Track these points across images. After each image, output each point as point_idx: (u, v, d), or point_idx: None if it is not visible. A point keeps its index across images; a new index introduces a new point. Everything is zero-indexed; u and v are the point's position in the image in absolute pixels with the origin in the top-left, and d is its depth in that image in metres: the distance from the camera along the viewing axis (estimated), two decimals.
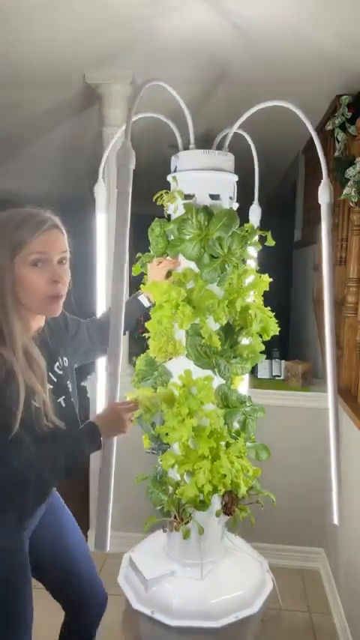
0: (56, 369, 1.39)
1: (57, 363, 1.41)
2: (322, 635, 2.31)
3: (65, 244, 1.30)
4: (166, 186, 1.69)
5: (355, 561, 2.13)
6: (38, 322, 1.36)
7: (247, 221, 1.81)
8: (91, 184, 2.03)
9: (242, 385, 1.84)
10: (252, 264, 1.76)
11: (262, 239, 1.71)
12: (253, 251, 1.75)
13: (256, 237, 1.69)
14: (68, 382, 1.44)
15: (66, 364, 1.45)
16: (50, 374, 1.34)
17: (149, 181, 1.88)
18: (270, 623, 2.24)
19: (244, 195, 1.79)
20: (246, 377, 1.87)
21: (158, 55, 2.33)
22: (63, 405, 1.36)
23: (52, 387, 1.33)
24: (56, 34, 2.14)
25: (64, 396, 1.37)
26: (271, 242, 1.68)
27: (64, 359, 1.45)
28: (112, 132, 2.61)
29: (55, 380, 1.36)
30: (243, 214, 1.75)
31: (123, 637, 2.18)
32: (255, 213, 1.93)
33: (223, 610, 1.65)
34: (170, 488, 1.68)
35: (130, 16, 1.95)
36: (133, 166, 1.45)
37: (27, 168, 4.45)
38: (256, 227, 1.81)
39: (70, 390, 1.43)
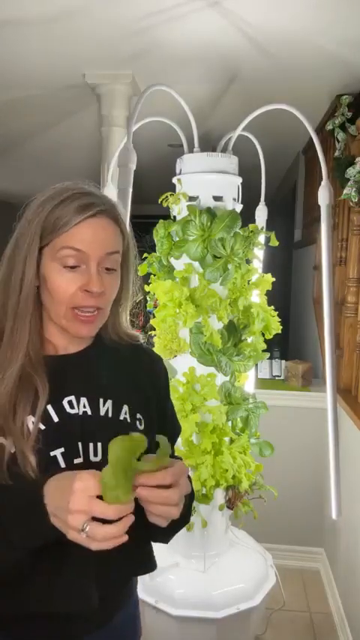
0: (65, 405, 0.91)
1: (77, 399, 0.92)
2: (322, 635, 2.31)
3: (115, 243, 0.90)
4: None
5: (355, 561, 2.13)
6: (74, 340, 0.96)
7: (252, 221, 1.83)
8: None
9: (248, 383, 1.87)
10: (257, 264, 1.78)
11: (267, 239, 1.74)
12: (257, 251, 1.77)
13: (261, 238, 1.72)
14: (83, 432, 0.90)
15: (107, 410, 0.93)
16: (52, 408, 0.89)
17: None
18: (270, 623, 2.24)
19: (247, 196, 1.80)
20: (252, 374, 1.89)
21: (164, 61, 2.34)
22: (61, 463, 0.87)
23: (44, 428, 0.87)
24: (63, 42, 2.15)
25: (62, 449, 0.87)
26: (274, 242, 1.71)
27: (108, 402, 0.94)
28: (112, 132, 2.62)
29: (58, 420, 0.89)
30: (247, 215, 1.75)
31: None
32: (261, 214, 1.95)
33: (225, 601, 1.70)
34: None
35: (139, 25, 1.96)
36: (134, 166, 1.46)
37: (26, 168, 4.45)
38: (261, 227, 1.84)
39: (87, 448, 0.90)
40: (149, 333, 1.75)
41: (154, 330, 1.71)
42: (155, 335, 1.71)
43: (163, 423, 1.04)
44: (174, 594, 1.70)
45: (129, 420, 0.94)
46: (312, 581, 2.69)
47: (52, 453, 0.86)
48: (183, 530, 1.73)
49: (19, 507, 0.79)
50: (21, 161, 4.32)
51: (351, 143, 2.43)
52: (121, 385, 0.98)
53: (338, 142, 2.58)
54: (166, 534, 0.96)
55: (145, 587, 1.75)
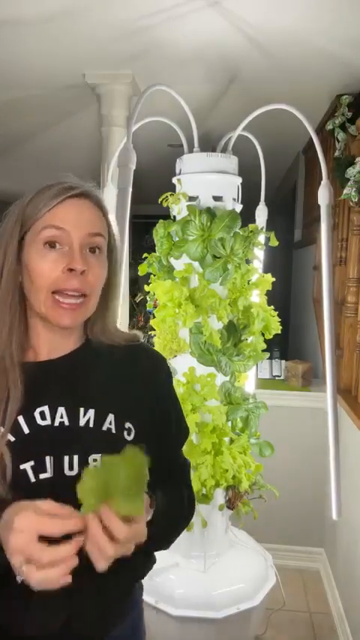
0: (37, 416, 0.85)
1: (53, 409, 0.87)
2: (322, 635, 2.31)
3: (98, 225, 0.87)
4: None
5: (355, 561, 2.13)
6: (60, 342, 0.91)
7: (252, 221, 1.83)
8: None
9: (248, 383, 1.88)
10: (257, 264, 1.79)
11: (267, 239, 1.74)
12: (257, 251, 1.77)
13: (261, 238, 1.72)
14: (65, 445, 0.85)
15: (89, 420, 0.88)
16: (23, 419, 0.84)
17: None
18: (270, 623, 2.24)
19: (247, 196, 1.80)
20: (252, 374, 1.90)
21: (164, 61, 2.34)
22: (31, 477, 0.83)
23: (14, 440, 0.83)
24: (63, 42, 2.15)
25: (32, 462, 0.83)
26: (274, 242, 1.71)
27: (90, 411, 0.88)
28: (112, 132, 2.62)
29: (28, 431, 0.84)
30: (247, 215, 1.75)
31: None
32: (261, 214, 1.95)
33: (225, 601, 1.70)
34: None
35: (138, 25, 1.96)
36: (133, 166, 1.46)
37: (26, 168, 4.45)
38: (262, 227, 1.84)
39: (65, 464, 0.85)
40: (149, 333, 1.76)
41: (154, 330, 1.71)
42: (155, 335, 1.71)
43: (163, 426, 0.98)
44: (174, 594, 1.70)
45: (114, 431, 0.88)
46: (312, 581, 2.69)
47: (21, 467, 0.82)
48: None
49: None
50: (21, 161, 4.32)
51: (351, 143, 2.43)
52: (109, 392, 0.91)
53: (338, 142, 2.58)
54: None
55: (145, 587, 1.75)
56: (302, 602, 2.52)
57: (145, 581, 1.77)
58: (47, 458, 0.84)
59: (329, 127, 2.60)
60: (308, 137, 3.02)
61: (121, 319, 1.62)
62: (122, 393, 0.93)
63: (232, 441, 1.71)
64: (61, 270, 0.83)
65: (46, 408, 0.86)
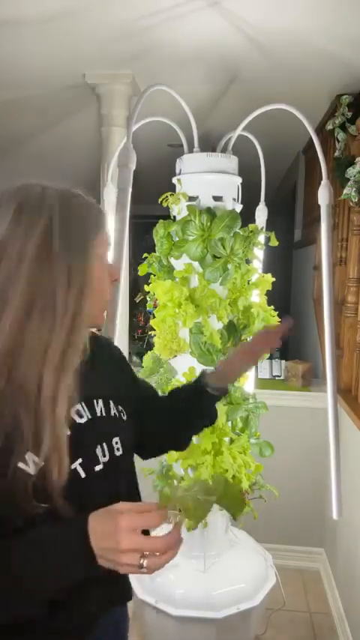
0: (75, 416, 0.88)
1: (82, 406, 0.89)
2: (322, 635, 2.31)
3: None
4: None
5: (355, 561, 2.13)
6: None
7: (252, 221, 1.83)
8: (90, 184, 2.05)
9: (248, 383, 1.88)
10: (257, 264, 1.79)
11: (267, 239, 1.74)
12: (257, 251, 1.77)
13: (261, 238, 1.72)
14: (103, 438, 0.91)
15: (101, 409, 0.93)
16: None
17: None
18: (270, 623, 2.24)
19: (247, 196, 1.80)
20: (252, 374, 1.90)
21: (164, 61, 2.34)
22: (81, 473, 0.85)
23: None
24: (63, 42, 2.15)
25: (80, 460, 0.85)
26: (274, 242, 1.71)
27: (99, 401, 0.94)
28: (112, 132, 2.62)
29: (69, 432, 0.82)
30: (247, 215, 1.75)
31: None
32: (261, 214, 1.95)
33: (225, 601, 1.70)
34: (175, 482, 1.73)
35: (138, 25, 1.96)
36: (133, 166, 1.46)
37: (26, 168, 4.45)
38: (262, 227, 1.84)
39: (104, 452, 0.90)
40: (149, 333, 1.76)
41: (154, 329, 1.72)
42: (155, 335, 1.71)
43: (136, 390, 1.11)
44: (174, 594, 1.70)
45: (118, 415, 0.96)
46: (312, 581, 2.69)
47: (72, 466, 0.83)
48: (183, 531, 1.74)
49: (59, 555, 0.74)
50: (21, 161, 4.32)
51: (351, 143, 2.43)
52: (102, 381, 0.98)
53: (338, 142, 2.58)
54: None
55: (145, 587, 1.75)
56: (302, 602, 2.52)
57: (145, 581, 1.78)
58: (98, 448, 0.89)
59: (329, 127, 2.60)
60: (308, 137, 3.01)
61: (121, 319, 1.61)
62: (108, 380, 1.01)
63: (232, 441, 1.71)
64: (110, 281, 0.92)
65: (80, 407, 0.90)
